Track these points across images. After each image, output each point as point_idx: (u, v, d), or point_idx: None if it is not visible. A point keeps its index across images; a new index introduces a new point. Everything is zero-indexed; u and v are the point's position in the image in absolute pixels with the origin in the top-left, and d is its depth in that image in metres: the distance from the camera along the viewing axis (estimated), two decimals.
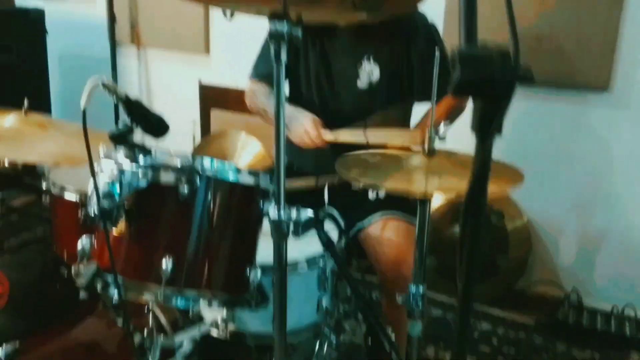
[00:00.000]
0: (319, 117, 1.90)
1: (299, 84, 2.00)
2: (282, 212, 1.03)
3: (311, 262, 1.52)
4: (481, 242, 0.73)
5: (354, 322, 1.97)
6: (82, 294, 1.58)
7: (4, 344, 1.35)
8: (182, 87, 3.38)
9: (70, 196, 1.55)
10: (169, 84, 3.50)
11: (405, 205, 1.83)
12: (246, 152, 3.57)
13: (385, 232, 1.81)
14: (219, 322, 1.50)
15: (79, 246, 1.17)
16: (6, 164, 1.55)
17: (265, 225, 1.17)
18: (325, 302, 1.57)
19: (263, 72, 2.07)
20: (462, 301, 0.75)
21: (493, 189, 1.38)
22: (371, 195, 1.98)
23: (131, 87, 3.57)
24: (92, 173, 1.06)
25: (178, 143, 3.29)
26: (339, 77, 1.91)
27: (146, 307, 1.44)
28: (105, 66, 3.47)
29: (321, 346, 2.25)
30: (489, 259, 2.72)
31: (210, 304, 1.19)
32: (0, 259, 1.44)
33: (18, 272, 1.44)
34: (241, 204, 1.21)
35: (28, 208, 3.59)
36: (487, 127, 0.62)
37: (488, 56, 0.57)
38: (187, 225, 1.14)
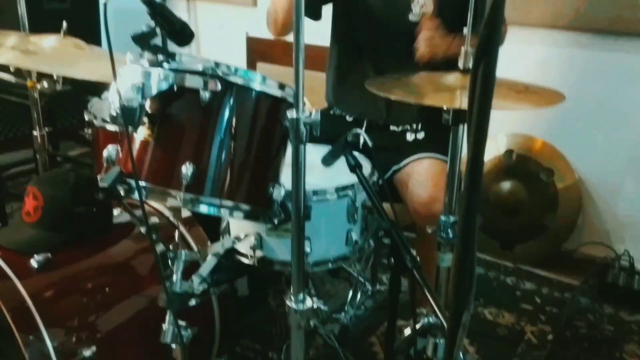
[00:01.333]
0: (370, 51, 1.86)
1: (349, 14, 1.94)
2: (300, 113, 1.00)
3: (340, 191, 1.49)
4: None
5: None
6: (116, 216, 1.62)
7: (36, 254, 1.39)
8: (229, 40, 3.37)
9: (111, 127, 1.57)
10: (217, 37, 3.50)
11: (442, 146, 1.77)
12: None
13: (420, 170, 1.77)
14: (248, 249, 1.51)
15: (105, 154, 1.17)
16: (58, 83, 1.56)
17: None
18: (354, 235, 1.53)
19: None
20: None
21: (531, 104, 1.31)
22: (409, 137, 1.94)
23: None
24: (113, 72, 1.05)
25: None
26: (390, 8, 1.83)
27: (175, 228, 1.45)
28: None
29: (355, 294, 2.24)
30: (536, 218, 2.61)
31: (231, 214, 1.17)
32: (35, 176, 1.47)
33: (52, 188, 1.46)
34: (266, 115, 1.19)
35: (81, 158, 3.71)
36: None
37: None
38: (208, 132, 1.13)
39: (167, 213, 1.65)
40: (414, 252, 1.23)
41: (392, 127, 1.94)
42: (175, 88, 1.10)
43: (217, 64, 1.11)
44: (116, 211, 1.67)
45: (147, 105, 1.11)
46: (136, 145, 1.14)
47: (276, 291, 2.25)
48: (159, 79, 1.09)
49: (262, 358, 2.02)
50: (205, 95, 1.10)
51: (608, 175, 2.54)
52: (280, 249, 1.49)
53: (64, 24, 1.56)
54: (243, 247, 1.52)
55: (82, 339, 1.37)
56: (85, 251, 1.52)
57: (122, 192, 1.13)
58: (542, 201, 2.59)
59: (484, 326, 2.23)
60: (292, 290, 1.14)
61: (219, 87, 1.10)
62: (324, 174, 1.51)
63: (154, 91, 1.09)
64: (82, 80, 1.80)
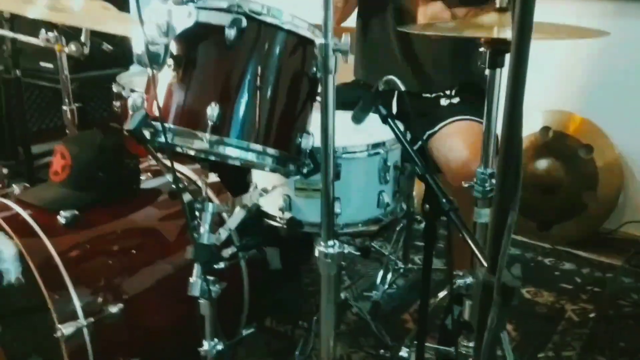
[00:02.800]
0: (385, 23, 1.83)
1: None
2: (328, 38, 0.96)
3: (372, 148, 1.44)
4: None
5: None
6: (143, 181, 1.60)
7: (63, 211, 1.37)
8: None
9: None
10: None
11: (477, 110, 1.71)
12: None
13: (456, 133, 1.71)
14: (276, 210, 1.47)
15: (130, 102, 1.15)
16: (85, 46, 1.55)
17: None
18: (386, 197, 1.48)
19: None
20: None
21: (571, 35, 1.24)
22: (444, 102, 1.88)
23: None
24: (138, 9, 1.03)
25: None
26: None
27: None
28: None
29: (386, 272, 2.19)
30: (575, 197, 2.52)
31: (259, 158, 1.13)
32: (64, 137, 1.47)
33: (80, 147, 1.44)
34: (294, 56, 1.14)
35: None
36: None
37: None
38: (234, 72, 1.09)
39: (195, 177, 1.62)
40: None
41: (425, 95, 1.89)
42: (199, 26, 1.06)
43: (243, 0, 1.08)
44: (144, 176, 1.65)
45: (172, 46, 1.08)
46: (162, 88, 1.11)
47: (307, 270, 2.21)
48: (183, 17, 1.06)
49: (291, 332, 1.97)
50: (231, 33, 1.06)
51: None
52: (309, 210, 1.44)
53: None
54: (271, 208, 1.49)
55: (108, 298, 1.35)
56: (113, 213, 1.50)
57: (147, 135, 1.10)
58: (581, 179, 2.50)
59: (522, 304, 2.15)
60: (321, 237, 1.09)
61: (245, 24, 1.07)
62: (354, 135, 1.47)
63: (179, 30, 1.06)
64: (109, 50, 1.81)
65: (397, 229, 2.25)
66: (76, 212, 1.37)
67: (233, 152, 1.10)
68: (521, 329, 2.00)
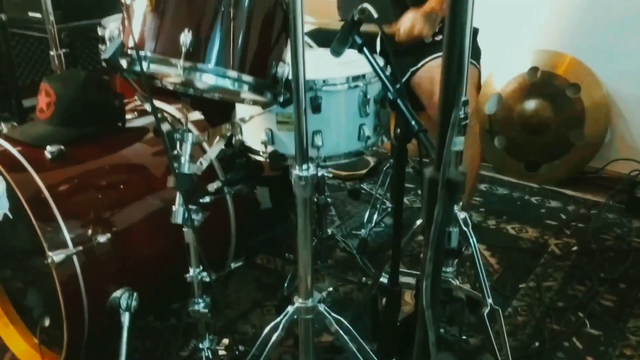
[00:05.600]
0: None
1: None
2: None
3: (351, 81, 1.46)
4: None
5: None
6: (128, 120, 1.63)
7: (49, 146, 1.40)
8: None
9: None
10: None
11: None
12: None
13: (439, 67, 1.72)
14: (259, 144, 1.50)
15: (107, 34, 1.17)
16: None
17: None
18: (367, 130, 1.51)
19: None
20: None
21: None
22: (427, 40, 1.89)
23: None
24: None
25: None
26: None
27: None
28: None
29: (373, 210, 2.24)
30: (562, 136, 2.54)
31: (236, 85, 1.15)
32: (47, 75, 1.48)
33: (63, 84, 1.47)
34: None
35: None
36: None
37: None
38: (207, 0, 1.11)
39: (179, 115, 1.65)
40: None
41: None
42: None
43: None
44: (130, 115, 1.68)
45: None
46: (137, 17, 1.13)
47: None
48: None
49: (281, 268, 2.03)
50: None
51: (638, 87, 2.44)
52: (292, 143, 1.47)
53: None
54: (254, 143, 1.52)
55: (96, 229, 1.39)
56: (99, 148, 1.53)
57: (124, 64, 1.13)
58: (568, 118, 2.52)
59: (507, 240, 2.21)
60: (296, 161, 1.13)
61: None
62: (336, 66, 1.49)
63: None
64: None
65: (385, 169, 2.29)
66: (62, 147, 1.41)
67: (209, 79, 1.13)
68: (504, 263, 2.06)
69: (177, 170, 1.24)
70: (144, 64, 1.10)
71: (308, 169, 1.12)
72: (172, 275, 1.42)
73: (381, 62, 1.57)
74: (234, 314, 1.81)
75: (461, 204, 1.47)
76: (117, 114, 1.59)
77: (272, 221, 2.15)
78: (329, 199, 1.91)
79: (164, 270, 1.52)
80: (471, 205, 2.42)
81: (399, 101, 1.17)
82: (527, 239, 2.21)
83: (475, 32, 1.90)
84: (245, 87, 1.17)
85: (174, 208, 1.27)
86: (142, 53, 1.11)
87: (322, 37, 1.93)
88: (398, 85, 1.60)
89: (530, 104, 2.58)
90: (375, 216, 2.24)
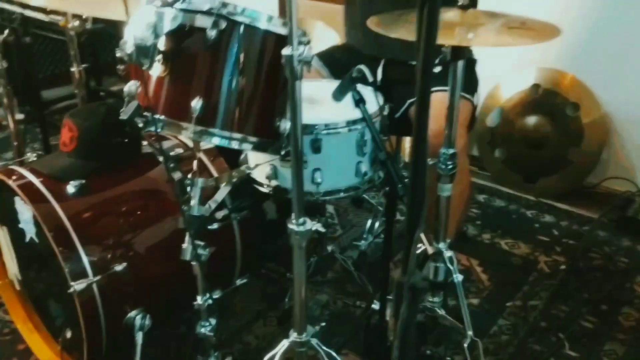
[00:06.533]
0: None
1: None
2: (294, 49, 1.07)
3: (351, 124, 1.57)
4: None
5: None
6: (145, 146, 1.75)
7: (72, 180, 1.54)
8: None
9: None
10: None
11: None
12: (322, 42, 3.58)
13: (433, 104, 1.80)
14: (264, 178, 1.63)
15: (125, 90, 1.28)
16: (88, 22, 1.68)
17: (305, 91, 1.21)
18: (364, 167, 1.62)
19: None
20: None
21: (524, 40, 1.34)
22: None
23: None
24: (126, 11, 1.14)
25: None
26: None
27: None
28: None
29: (374, 222, 2.36)
30: (560, 153, 2.63)
31: (241, 145, 1.27)
32: (71, 111, 1.61)
33: (85, 120, 1.59)
34: (272, 52, 1.26)
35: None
36: None
37: None
38: (217, 69, 1.22)
39: (191, 144, 1.77)
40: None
41: (411, 62, 1.98)
42: (185, 27, 1.18)
43: (224, 4, 1.19)
44: (144, 142, 1.80)
45: (161, 43, 1.20)
46: (152, 81, 1.24)
47: None
48: (170, 19, 1.17)
49: (285, 278, 2.17)
50: (212, 33, 1.18)
51: (636, 110, 2.52)
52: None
53: None
54: (259, 176, 1.64)
55: (114, 256, 1.53)
56: (117, 178, 1.67)
57: (140, 125, 1.24)
58: (567, 135, 2.60)
59: (499, 255, 2.32)
60: (294, 214, 1.25)
61: (225, 26, 1.18)
62: (337, 108, 1.59)
63: (166, 30, 1.18)
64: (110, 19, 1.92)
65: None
66: (83, 181, 1.54)
67: (216, 141, 1.25)
68: (495, 279, 2.18)
69: (186, 213, 1.37)
70: (158, 125, 1.22)
71: (304, 223, 1.24)
72: (184, 290, 1.55)
73: (381, 98, 1.68)
74: (239, 324, 1.96)
75: (448, 240, 1.59)
76: (134, 145, 1.71)
77: (277, 231, 2.27)
78: (329, 220, 2.03)
79: (176, 286, 1.66)
80: (468, 217, 2.54)
81: (387, 163, 1.28)
82: (519, 255, 2.33)
83: (471, 62, 1.98)
84: (250, 145, 1.28)
85: (183, 246, 1.40)
86: (156, 116, 1.22)
87: (336, 59, 2.04)
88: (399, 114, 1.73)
89: (531, 120, 2.66)
90: (376, 225, 2.36)
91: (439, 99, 1.82)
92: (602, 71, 2.53)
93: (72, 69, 2.18)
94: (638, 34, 2.42)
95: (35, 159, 1.70)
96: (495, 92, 2.75)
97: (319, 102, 1.67)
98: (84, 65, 2.21)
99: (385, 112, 1.67)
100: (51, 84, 3.71)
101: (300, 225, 1.25)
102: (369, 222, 2.38)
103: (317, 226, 1.26)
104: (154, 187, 1.74)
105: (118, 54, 1.41)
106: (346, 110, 1.59)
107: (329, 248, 2.13)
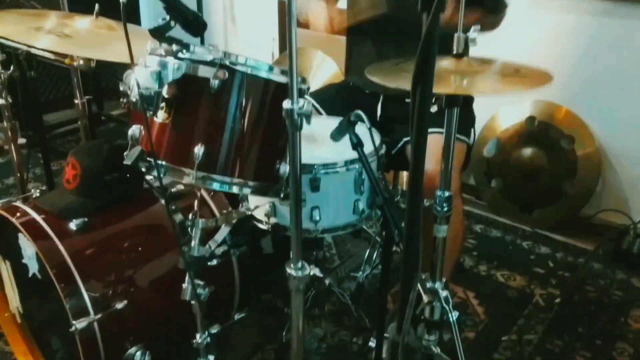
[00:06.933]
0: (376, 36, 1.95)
1: None
2: (294, 103, 1.11)
3: (349, 164, 1.60)
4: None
5: None
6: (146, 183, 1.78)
7: (75, 218, 1.57)
8: (262, 5, 3.45)
9: None
10: (251, 1, 3.58)
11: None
12: (322, 71, 3.64)
13: (428, 146, 1.84)
14: (263, 215, 1.66)
15: (129, 133, 1.31)
16: (81, 62, 1.73)
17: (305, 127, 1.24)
18: (361, 205, 1.65)
19: None
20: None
21: (518, 87, 1.38)
22: None
23: (215, 5, 3.70)
24: (131, 61, 1.18)
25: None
26: None
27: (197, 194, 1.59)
28: None
29: (372, 253, 2.38)
30: (555, 184, 2.67)
31: (241, 190, 1.31)
32: (74, 148, 1.64)
33: (88, 158, 1.62)
34: (271, 99, 1.29)
35: (124, 117, 3.92)
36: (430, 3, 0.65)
37: None
38: (219, 117, 1.25)
39: None
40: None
41: (408, 100, 2.02)
42: (187, 77, 1.22)
43: (226, 54, 1.23)
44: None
45: (165, 90, 1.24)
46: (155, 127, 1.27)
47: None
48: (173, 69, 1.21)
49: (282, 310, 2.19)
50: (215, 83, 1.21)
51: (629, 144, 2.56)
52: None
53: (97, 6, 1.70)
54: (259, 213, 1.67)
55: (115, 292, 1.56)
56: (119, 214, 1.69)
57: (143, 169, 1.28)
58: (562, 168, 2.64)
59: (495, 288, 2.35)
60: (291, 258, 1.28)
61: (227, 76, 1.22)
62: (335, 145, 1.63)
63: (169, 79, 1.21)
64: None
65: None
66: (85, 219, 1.57)
67: (217, 186, 1.28)
68: (490, 312, 2.20)
69: (186, 254, 1.40)
70: (160, 170, 1.25)
71: (302, 268, 1.27)
72: (184, 326, 1.56)
73: (377, 137, 1.72)
74: (237, 357, 1.97)
75: (444, 279, 1.62)
76: (135, 181, 1.74)
77: (274, 264, 2.30)
78: (327, 254, 2.06)
79: (176, 322, 1.68)
80: (465, 248, 2.56)
81: (384, 208, 1.31)
82: (515, 287, 2.35)
83: (468, 101, 2.02)
84: (250, 190, 1.32)
85: (183, 286, 1.43)
86: (159, 161, 1.26)
87: (336, 95, 2.08)
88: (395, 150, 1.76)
89: (527, 151, 2.70)
90: (374, 256, 2.39)
91: (434, 140, 1.86)
92: (596, 105, 2.58)
93: (76, 101, 2.22)
94: (631, 69, 2.47)
95: (38, 194, 1.73)
96: (491, 123, 2.79)
97: (318, 139, 1.71)
98: (87, 97, 2.25)
99: (382, 152, 1.71)
100: (53, 107, 3.76)
101: (299, 269, 1.27)
102: (367, 252, 2.41)
103: (315, 271, 1.29)
104: (155, 222, 1.76)
105: (121, 87, 1.45)
106: (344, 149, 1.63)
107: (327, 281, 2.15)
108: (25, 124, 3.22)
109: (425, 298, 1.47)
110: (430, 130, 1.86)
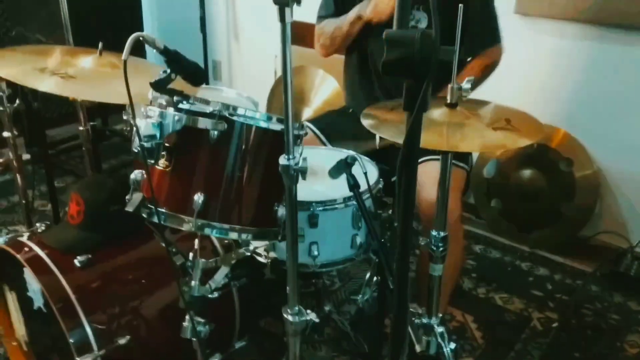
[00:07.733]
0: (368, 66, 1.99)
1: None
2: (290, 160, 1.14)
3: (347, 201, 1.63)
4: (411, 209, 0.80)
5: None
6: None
7: (78, 255, 1.60)
8: (265, 22, 3.48)
9: None
10: (254, 19, 3.61)
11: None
12: (323, 89, 3.67)
13: (426, 172, 1.86)
14: (262, 250, 1.69)
15: (131, 177, 1.35)
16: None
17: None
18: (359, 239, 1.68)
19: (327, 13, 2.16)
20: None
21: (509, 142, 1.41)
22: None
23: (219, 23, 3.73)
24: (133, 115, 1.22)
25: (260, 77, 3.45)
26: (385, 25, 1.93)
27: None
28: (194, 4, 3.59)
29: (372, 276, 2.41)
30: (554, 206, 2.69)
31: (240, 236, 1.34)
32: (76, 183, 1.68)
33: (92, 194, 1.66)
34: (269, 147, 1.33)
35: (128, 132, 3.94)
36: (413, 103, 0.68)
37: (410, 38, 0.63)
38: (217, 166, 1.29)
39: None
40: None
41: None
42: (187, 128, 1.25)
43: (225, 106, 1.26)
44: None
45: (165, 140, 1.27)
46: (156, 174, 1.31)
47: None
48: (173, 121, 1.24)
49: (283, 335, 2.22)
50: (214, 133, 1.25)
51: (627, 166, 2.58)
52: None
53: (100, 44, 1.73)
54: (259, 248, 1.71)
55: (119, 326, 1.59)
56: (122, 248, 1.73)
57: (144, 215, 1.31)
58: (560, 190, 2.67)
59: (493, 312, 2.37)
60: (288, 304, 1.31)
61: (226, 127, 1.25)
62: (334, 180, 1.66)
63: (170, 130, 1.25)
64: None
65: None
66: (89, 256, 1.61)
67: (216, 232, 1.31)
68: (488, 336, 2.23)
69: (187, 294, 1.44)
70: (160, 217, 1.29)
71: (299, 313, 1.31)
72: (187, 357, 1.60)
73: (375, 172, 1.75)
74: None
75: (440, 315, 1.65)
76: (138, 217, 1.77)
77: (275, 289, 2.33)
78: (326, 282, 2.09)
79: (178, 355, 1.71)
80: (464, 270, 2.59)
81: (379, 253, 1.34)
82: (513, 310, 2.38)
83: None
84: (248, 235, 1.35)
85: (184, 324, 1.46)
86: (159, 209, 1.29)
87: (336, 123, 2.11)
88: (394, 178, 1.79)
89: (526, 173, 2.73)
90: (374, 278, 2.41)
91: (432, 168, 1.89)
92: (594, 127, 2.60)
93: (80, 128, 2.26)
94: (629, 92, 2.49)
95: (44, 228, 1.77)
96: None
97: (317, 173, 1.74)
98: (91, 124, 2.29)
99: (380, 186, 1.74)
100: (56, 122, 3.79)
101: (296, 315, 1.30)
102: (368, 274, 2.43)
103: (311, 316, 1.32)
104: (158, 255, 1.79)
105: (124, 117, 1.49)
106: (343, 182, 1.66)
107: (326, 308, 2.18)
108: (29, 140, 3.28)
109: (418, 348, 1.50)
110: (429, 157, 1.92)
